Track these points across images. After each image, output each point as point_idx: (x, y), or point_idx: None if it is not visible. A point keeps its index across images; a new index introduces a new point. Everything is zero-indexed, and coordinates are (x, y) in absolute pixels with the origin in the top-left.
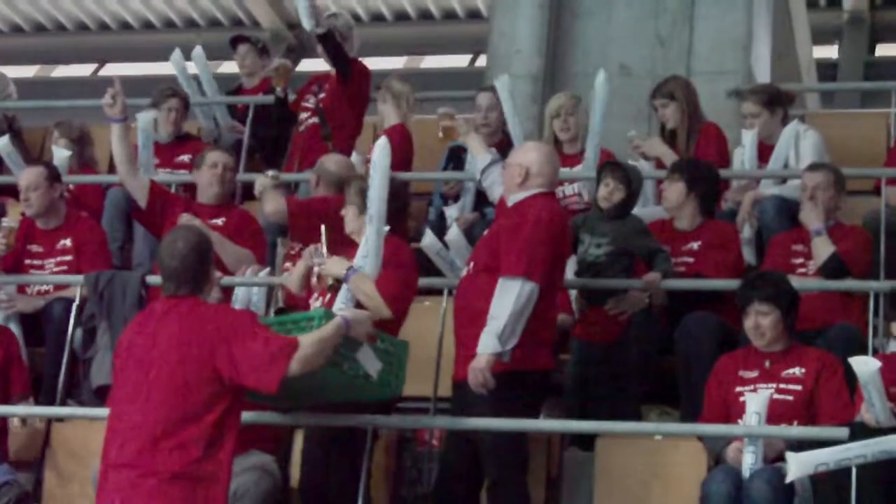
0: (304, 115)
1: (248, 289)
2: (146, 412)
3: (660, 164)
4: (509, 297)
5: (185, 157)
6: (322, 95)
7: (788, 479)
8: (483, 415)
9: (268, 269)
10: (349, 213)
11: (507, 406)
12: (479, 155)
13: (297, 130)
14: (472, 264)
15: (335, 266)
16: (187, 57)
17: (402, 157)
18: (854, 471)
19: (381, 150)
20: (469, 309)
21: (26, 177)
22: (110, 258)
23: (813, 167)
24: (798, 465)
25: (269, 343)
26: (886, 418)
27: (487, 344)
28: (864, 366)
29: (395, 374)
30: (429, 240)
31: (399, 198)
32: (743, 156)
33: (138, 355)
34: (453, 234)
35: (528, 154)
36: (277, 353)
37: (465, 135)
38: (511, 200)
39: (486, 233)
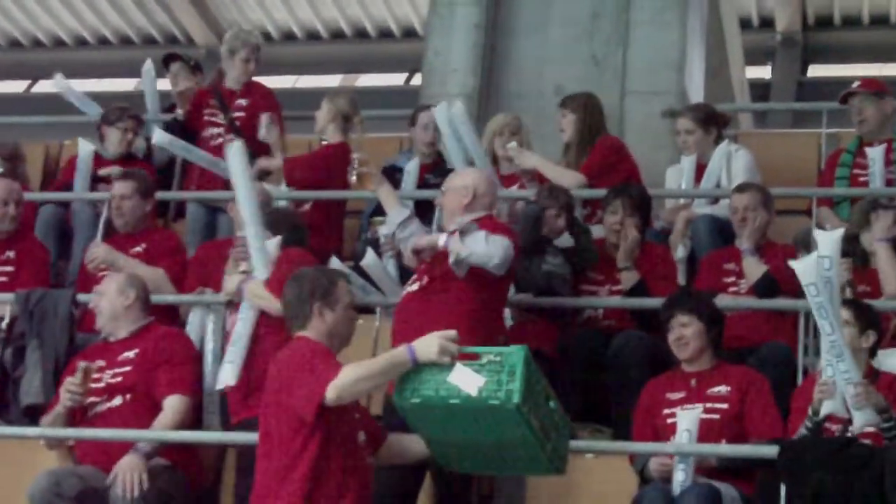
0: (213, 131)
1: (203, 315)
2: None
3: (539, 177)
4: (496, 245)
5: None
6: (241, 114)
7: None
8: None
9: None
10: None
11: None
12: (392, 209)
13: (207, 145)
14: (424, 279)
15: (230, 282)
16: (130, 73)
17: (342, 176)
18: (783, 488)
19: (233, 153)
20: (413, 325)
21: None
22: (48, 279)
23: (741, 188)
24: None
25: (313, 371)
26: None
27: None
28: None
29: (505, 385)
30: (370, 258)
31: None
32: (677, 176)
33: None
34: (369, 258)
35: (471, 176)
36: (315, 382)
37: (377, 185)
38: (455, 224)
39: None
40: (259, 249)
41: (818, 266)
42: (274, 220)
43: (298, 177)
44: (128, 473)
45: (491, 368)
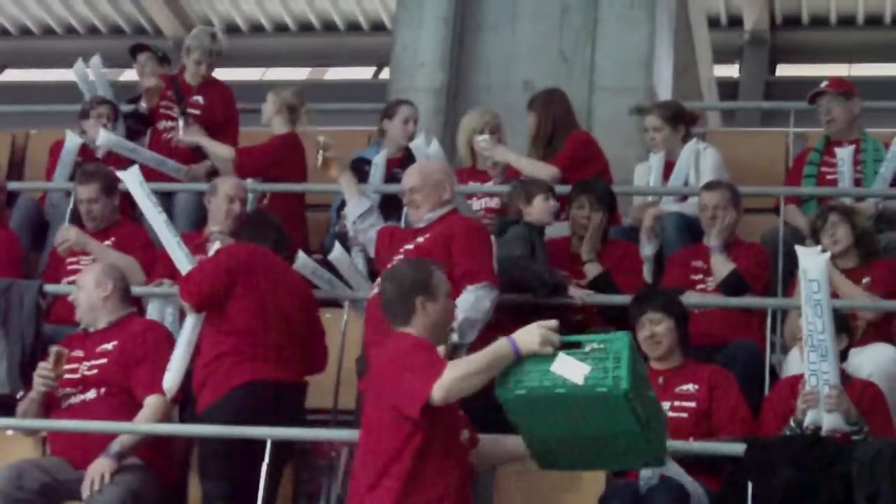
0: (166, 124)
1: (162, 306)
2: None
3: (511, 172)
4: (483, 303)
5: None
6: (196, 112)
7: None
8: None
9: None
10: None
11: None
12: (352, 198)
13: (159, 137)
14: None
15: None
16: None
17: (292, 167)
18: (750, 487)
19: (129, 178)
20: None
21: None
22: (21, 269)
23: (711, 186)
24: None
25: (419, 370)
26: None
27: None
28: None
29: (611, 372)
30: (338, 252)
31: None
32: (645, 173)
33: None
34: (337, 252)
35: (441, 170)
36: (421, 381)
37: (340, 172)
38: (427, 219)
39: (404, 248)
40: (180, 256)
41: (808, 290)
42: (259, 226)
43: (249, 167)
44: (97, 476)
45: (595, 356)
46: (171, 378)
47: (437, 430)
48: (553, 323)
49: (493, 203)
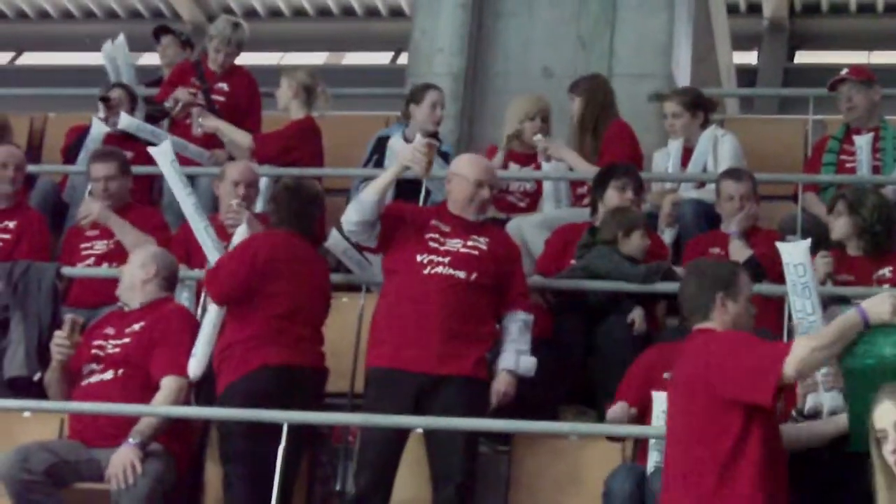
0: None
1: (179, 290)
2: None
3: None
4: (527, 335)
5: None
6: (221, 98)
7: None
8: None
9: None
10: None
11: (482, 410)
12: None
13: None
14: (462, 274)
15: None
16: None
17: (310, 151)
18: None
19: (160, 155)
20: (460, 311)
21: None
22: (48, 251)
23: (738, 175)
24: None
25: (756, 353)
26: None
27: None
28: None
29: None
30: (333, 239)
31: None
32: (664, 159)
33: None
34: (333, 238)
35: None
36: (764, 362)
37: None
38: (482, 218)
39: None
40: (204, 239)
41: (793, 275)
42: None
43: (269, 153)
44: (120, 467)
45: None
46: (196, 364)
47: (770, 414)
48: (880, 296)
49: (529, 186)
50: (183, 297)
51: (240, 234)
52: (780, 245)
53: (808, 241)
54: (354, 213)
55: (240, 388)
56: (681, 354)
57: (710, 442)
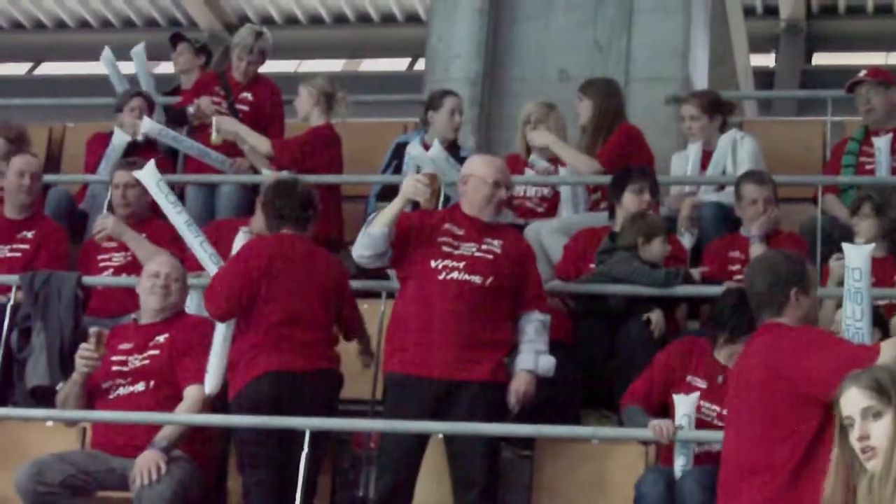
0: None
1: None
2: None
3: (553, 159)
4: (545, 335)
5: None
6: (245, 108)
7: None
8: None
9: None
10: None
11: (501, 413)
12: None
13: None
14: (478, 278)
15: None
16: (125, 56)
17: (329, 158)
18: None
19: (145, 176)
20: (477, 316)
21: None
22: (67, 261)
23: (759, 179)
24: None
25: (844, 351)
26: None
27: (537, 363)
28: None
29: None
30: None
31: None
32: (682, 163)
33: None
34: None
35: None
36: (853, 360)
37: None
38: (496, 221)
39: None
40: (197, 251)
41: (849, 278)
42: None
43: (286, 159)
44: (151, 467)
45: None
46: (210, 380)
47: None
48: None
49: (546, 192)
50: (192, 305)
51: (238, 242)
52: (845, 246)
53: (872, 245)
54: (364, 248)
55: (245, 397)
56: (747, 351)
57: (785, 440)
